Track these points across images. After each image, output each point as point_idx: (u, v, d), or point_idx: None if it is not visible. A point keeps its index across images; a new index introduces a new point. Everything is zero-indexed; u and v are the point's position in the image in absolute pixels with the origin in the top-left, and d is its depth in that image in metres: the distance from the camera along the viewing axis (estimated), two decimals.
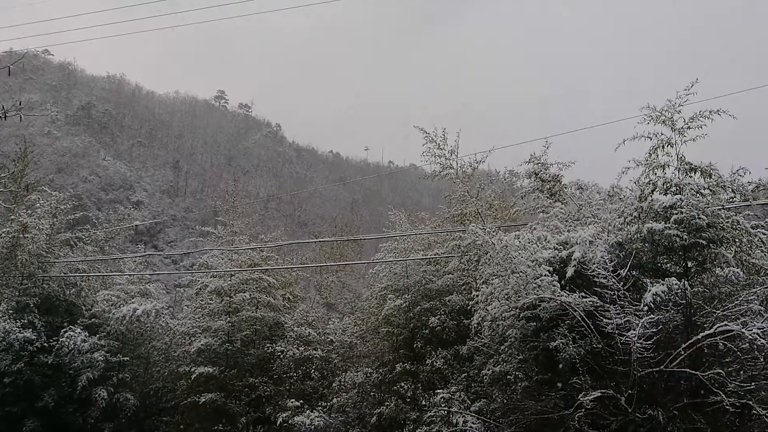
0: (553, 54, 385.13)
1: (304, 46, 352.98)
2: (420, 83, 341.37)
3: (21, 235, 21.54)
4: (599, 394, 10.71)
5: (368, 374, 19.58)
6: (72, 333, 20.41)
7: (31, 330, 20.25)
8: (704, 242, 11.03)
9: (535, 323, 12.62)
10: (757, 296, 10.88)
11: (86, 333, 20.81)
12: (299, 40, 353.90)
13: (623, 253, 11.88)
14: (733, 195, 11.83)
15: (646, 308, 10.53)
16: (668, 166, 11.93)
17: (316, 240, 38.80)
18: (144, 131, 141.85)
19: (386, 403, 18.21)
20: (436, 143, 18.25)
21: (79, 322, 21.60)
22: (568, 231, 13.49)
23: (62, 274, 22.73)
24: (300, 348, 21.17)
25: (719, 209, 11.19)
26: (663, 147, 12.01)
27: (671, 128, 11.96)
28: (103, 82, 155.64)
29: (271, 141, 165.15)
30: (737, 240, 11.29)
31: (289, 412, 18.68)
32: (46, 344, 20.50)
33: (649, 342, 10.42)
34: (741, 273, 10.83)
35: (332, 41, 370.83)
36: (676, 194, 11.33)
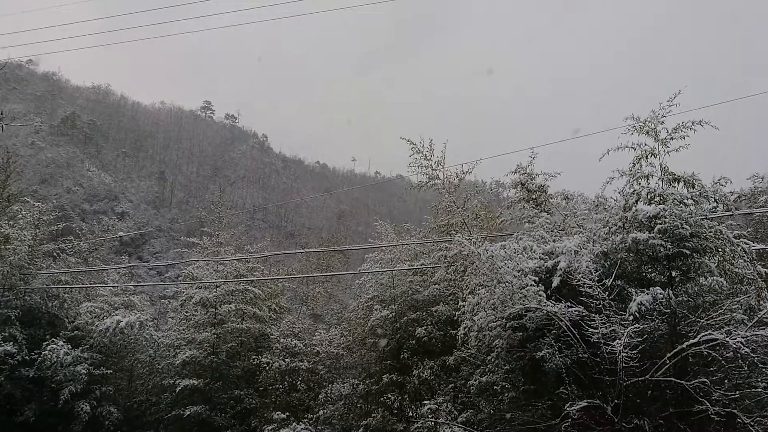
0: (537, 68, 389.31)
1: (290, 58, 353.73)
2: (407, 95, 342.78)
3: (2, 247, 21.26)
4: (586, 404, 10.72)
5: (355, 385, 19.49)
6: (54, 346, 20.13)
7: (12, 343, 19.94)
8: (688, 252, 11.11)
9: (521, 333, 12.63)
10: (741, 305, 10.97)
11: (69, 346, 20.54)
12: (287, 52, 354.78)
13: (608, 262, 11.94)
14: (715, 205, 11.94)
15: (631, 317, 10.58)
16: (652, 176, 12.02)
17: (302, 251, 38.63)
18: (129, 142, 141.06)
19: (373, 415, 18.11)
20: (423, 154, 18.31)
21: (61, 334, 21.31)
22: (554, 241, 13.55)
23: (45, 286, 22.46)
24: (286, 360, 21.02)
25: (702, 219, 11.28)
26: (647, 157, 12.11)
27: (655, 139, 12.08)
28: (88, 92, 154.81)
29: (257, 151, 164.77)
30: (720, 249, 11.38)
31: (275, 424, 18.53)
32: (27, 357, 20.18)
33: (634, 351, 10.45)
34: (724, 282, 10.92)
35: (320, 53, 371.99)
36: (660, 204, 11.42)
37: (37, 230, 22.88)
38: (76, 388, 20.03)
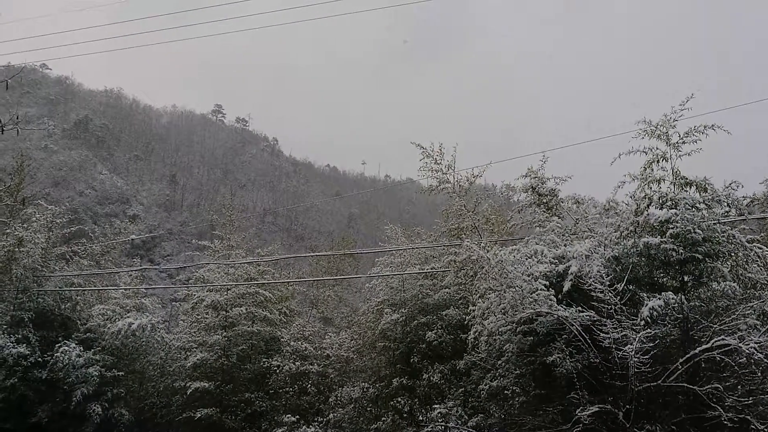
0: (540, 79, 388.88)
1: (300, 62, 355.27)
2: (416, 101, 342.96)
3: (16, 249, 21.45)
4: (597, 409, 10.68)
5: (365, 389, 19.48)
6: (67, 348, 20.28)
7: (25, 345, 20.12)
8: (700, 256, 11.05)
9: (532, 338, 12.59)
10: (754, 310, 10.90)
11: (81, 348, 20.69)
12: (297, 56, 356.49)
13: (620, 267, 11.89)
14: (728, 209, 11.88)
15: (643, 322, 10.53)
16: (664, 180, 12.00)
17: (312, 254, 38.74)
18: (141, 145, 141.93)
19: (383, 419, 18.10)
20: (433, 158, 18.32)
21: (73, 336, 21.47)
22: (565, 245, 13.50)
23: (57, 288, 22.62)
24: (296, 363, 21.06)
25: (715, 223, 11.22)
26: (658, 161, 12.08)
27: (666, 143, 12.05)
28: (101, 96, 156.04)
29: (268, 155, 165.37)
30: (733, 254, 11.32)
31: (285, 427, 18.56)
32: (40, 359, 20.35)
33: (646, 356, 10.40)
34: (737, 287, 10.85)
35: (330, 57, 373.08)
36: (672, 209, 11.36)
37: (50, 233, 23.06)
38: (88, 390, 20.16)
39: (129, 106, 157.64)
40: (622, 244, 11.96)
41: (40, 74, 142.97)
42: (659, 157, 12.07)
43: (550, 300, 11.61)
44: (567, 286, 11.71)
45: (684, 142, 11.89)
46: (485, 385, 14.35)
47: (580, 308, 11.34)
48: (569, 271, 11.86)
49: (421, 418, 16.98)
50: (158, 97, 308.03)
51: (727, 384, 10.58)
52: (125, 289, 24.81)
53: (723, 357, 10.25)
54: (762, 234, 14.48)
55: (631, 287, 11.61)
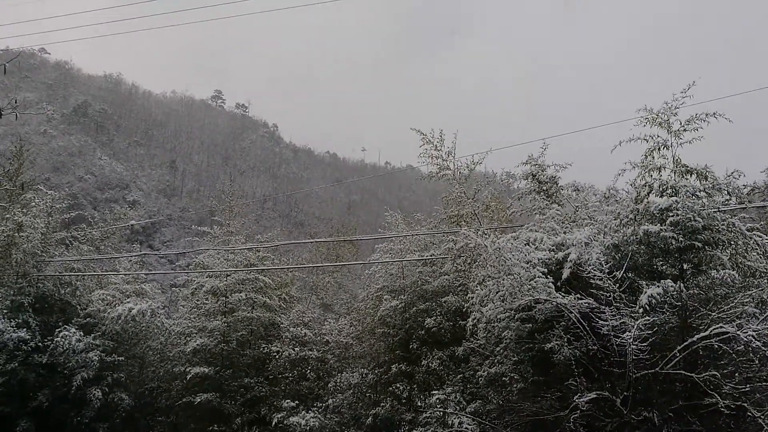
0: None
1: (302, 49, 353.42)
2: (417, 89, 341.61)
3: (16, 234, 21.41)
4: (595, 396, 10.72)
5: (364, 375, 19.56)
6: (67, 332, 20.30)
7: (25, 329, 20.14)
8: (700, 244, 11.04)
9: (530, 325, 12.63)
10: (753, 299, 10.91)
11: (81, 332, 20.71)
12: (298, 42, 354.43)
13: (619, 255, 11.89)
14: (728, 197, 11.86)
15: (641, 310, 10.54)
16: (664, 168, 11.95)
17: (312, 240, 38.76)
18: (140, 130, 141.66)
19: (382, 404, 18.20)
20: (434, 144, 18.25)
21: (74, 321, 21.48)
22: (565, 232, 13.51)
23: (57, 273, 22.61)
24: (296, 348, 21.12)
25: (715, 212, 11.20)
26: (659, 149, 12.04)
27: (667, 130, 11.99)
28: (100, 81, 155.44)
29: (267, 141, 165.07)
30: (733, 242, 11.31)
31: (285, 412, 18.64)
32: (40, 344, 20.38)
33: (644, 344, 10.43)
34: (736, 275, 10.84)
35: (331, 44, 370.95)
36: (672, 196, 11.34)
37: (50, 218, 23.00)
38: (88, 375, 20.21)
39: (128, 91, 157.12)
40: (622, 231, 11.95)
41: (38, 59, 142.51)
42: (660, 144, 12.03)
43: (549, 287, 11.62)
44: (566, 273, 11.72)
45: (685, 130, 11.84)
46: (484, 371, 14.41)
47: (578, 295, 11.36)
48: (568, 259, 11.87)
49: (419, 403, 17.05)
50: (158, 83, 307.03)
51: (725, 371, 10.63)
52: (125, 275, 24.83)
53: (721, 345, 10.28)
54: (762, 222, 14.47)
55: (630, 275, 11.62)
